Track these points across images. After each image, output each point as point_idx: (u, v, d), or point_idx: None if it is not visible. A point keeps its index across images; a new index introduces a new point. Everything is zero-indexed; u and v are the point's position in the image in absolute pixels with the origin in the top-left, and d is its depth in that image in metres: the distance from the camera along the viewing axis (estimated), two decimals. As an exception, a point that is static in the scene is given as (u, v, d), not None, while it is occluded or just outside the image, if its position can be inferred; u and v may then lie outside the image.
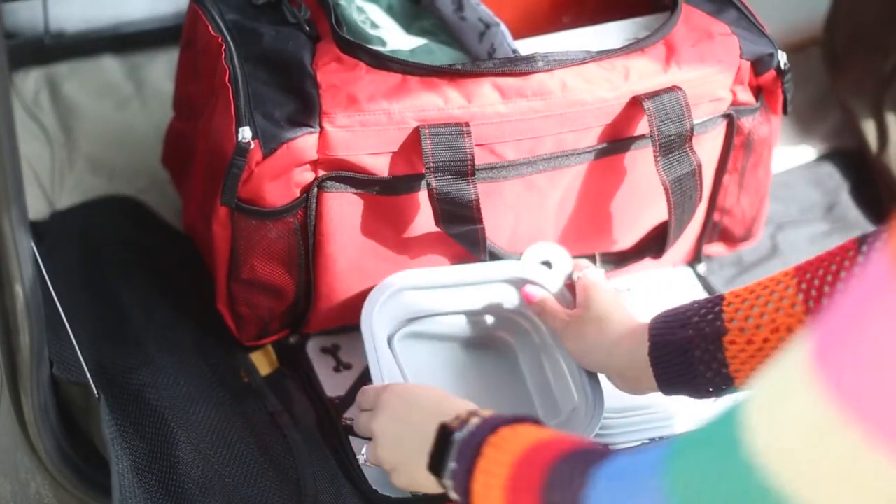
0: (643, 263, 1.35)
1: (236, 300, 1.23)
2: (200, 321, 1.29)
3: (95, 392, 1.10)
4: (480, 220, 1.17)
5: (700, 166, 1.22)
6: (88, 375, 1.11)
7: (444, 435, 0.95)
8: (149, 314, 1.29)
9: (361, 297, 1.25)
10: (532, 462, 0.84)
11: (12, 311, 0.99)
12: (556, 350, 1.22)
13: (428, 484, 0.98)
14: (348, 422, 1.16)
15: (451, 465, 0.92)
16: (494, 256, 1.24)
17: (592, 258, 1.34)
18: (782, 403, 0.64)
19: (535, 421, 0.92)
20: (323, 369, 1.28)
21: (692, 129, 1.21)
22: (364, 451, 1.08)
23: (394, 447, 1.03)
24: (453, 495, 0.92)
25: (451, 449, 0.93)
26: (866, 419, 0.59)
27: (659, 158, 1.20)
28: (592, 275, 1.20)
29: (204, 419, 1.18)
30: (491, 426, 0.91)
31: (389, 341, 1.23)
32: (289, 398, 1.24)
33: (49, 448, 1.08)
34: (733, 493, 0.65)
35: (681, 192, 1.23)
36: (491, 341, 1.28)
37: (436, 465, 0.95)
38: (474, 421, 0.93)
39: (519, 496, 0.83)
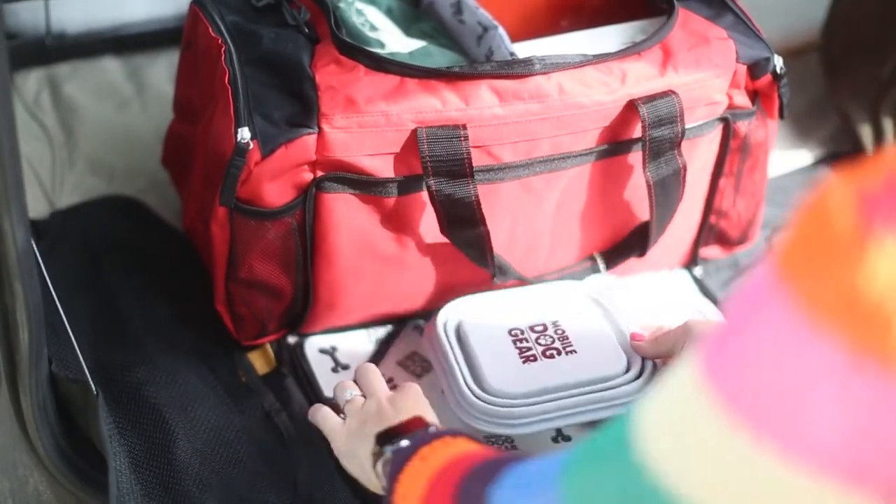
0: (639, 266, 1.36)
1: (234, 300, 1.23)
2: (199, 321, 1.30)
3: (94, 389, 1.10)
4: (483, 222, 1.17)
5: (685, 168, 1.23)
6: (87, 373, 1.11)
7: (387, 438, 0.98)
8: (147, 313, 1.30)
9: (359, 298, 1.26)
10: (446, 477, 0.86)
11: (12, 309, 1.00)
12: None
13: (371, 481, 1.02)
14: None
15: (386, 469, 0.95)
16: (503, 270, 1.24)
17: (592, 259, 1.36)
18: (673, 409, 0.67)
19: (468, 436, 0.94)
20: (321, 370, 1.28)
21: (683, 134, 1.22)
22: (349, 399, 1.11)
23: (352, 447, 1.06)
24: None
25: (388, 453, 0.96)
26: (752, 421, 0.62)
27: (648, 163, 1.21)
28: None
29: (202, 417, 1.19)
30: (423, 438, 0.92)
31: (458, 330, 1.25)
32: (286, 398, 1.25)
33: (47, 445, 1.09)
34: (625, 495, 0.68)
35: (664, 193, 1.24)
36: None
37: (375, 465, 0.99)
38: (417, 431, 0.95)
39: None
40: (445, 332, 1.24)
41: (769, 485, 0.63)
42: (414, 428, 0.98)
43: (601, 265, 1.36)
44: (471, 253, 1.21)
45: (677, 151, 1.23)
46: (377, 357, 1.30)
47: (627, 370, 1.21)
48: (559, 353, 1.22)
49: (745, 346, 0.63)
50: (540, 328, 1.25)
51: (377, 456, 0.99)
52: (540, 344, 1.23)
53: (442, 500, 0.84)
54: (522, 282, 1.30)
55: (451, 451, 0.89)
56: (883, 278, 0.57)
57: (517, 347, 1.23)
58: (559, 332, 1.25)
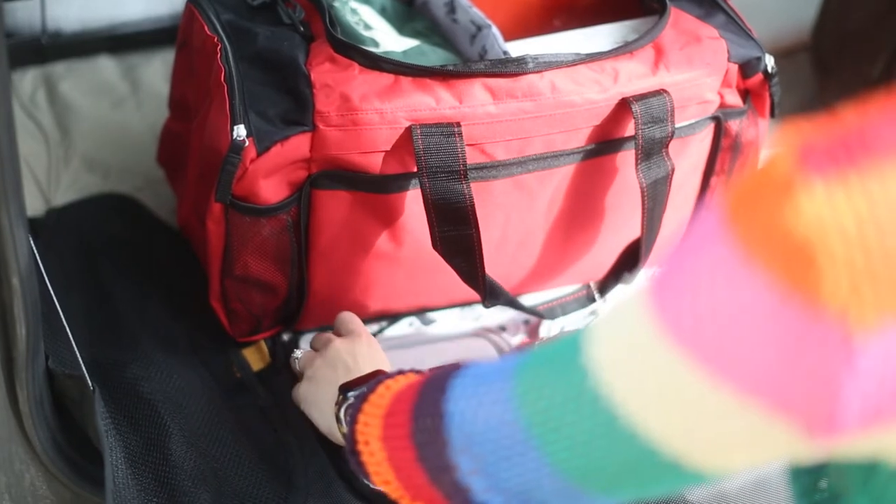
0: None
1: (229, 296, 1.24)
2: (194, 317, 1.30)
3: (90, 384, 1.11)
4: (475, 224, 1.18)
5: (673, 171, 1.24)
6: (83, 368, 1.12)
7: (343, 393, 1.04)
8: (143, 310, 1.31)
9: (353, 294, 1.27)
10: (400, 403, 0.88)
11: (9, 304, 1.00)
12: None
13: (334, 430, 1.08)
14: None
15: (349, 411, 0.97)
16: (494, 293, 1.24)
17: (587, 287, 1.39)
18: (619, 324, 0.72)
19: (418, 371, 0.96)
20: (315, 366, 1.29)
21: (672, 134, 1.23)
22: (297, 356, 1.21)
23: (313, 394, 1.14)
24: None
25: (344, 408, 1.01)
26: (687, 344, 0.67)
27: (640, 162, 1.22)
28: None
29: (196, 413, 1.19)
30: (373, 385, 0.94)
31: None
32: (281, 394, 1.25)
33: (44, 440, 1.10)
34: (569, 394, 0.73)
35: (654, 196, 1.25)
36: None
37: (338, 412, 1.04)
38: (379, 377, 0.97)
39: (393, 437, 0.87)
40: None
41: (699, 401, 0.68)
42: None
43: (596, 294, 1.38)
44: (461, 267, 1.21)
45: (666, 153, 1.24)
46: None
47: None
48: None
49: (688, 278, 0.68)
50: None
51: (340, 404, 1.04)
52: None
53: (401, 414, 0.87)
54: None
55: (411, 379, 0.92)
56: (809, 218, 0.62)
57: None
58: None
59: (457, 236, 1.18)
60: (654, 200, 1.25)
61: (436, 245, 1.18)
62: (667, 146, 1.24)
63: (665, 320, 0.68)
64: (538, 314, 1.35)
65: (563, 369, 0.75)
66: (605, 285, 1.38)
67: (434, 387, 0.84)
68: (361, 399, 0.92)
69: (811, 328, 0.63)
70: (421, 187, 1.16)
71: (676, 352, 0.68)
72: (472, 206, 1.17)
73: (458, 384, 0.82)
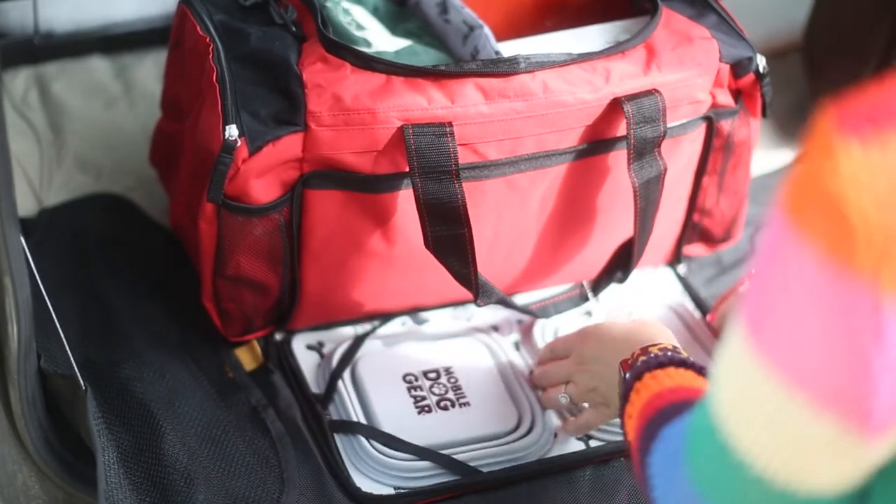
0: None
1: (222, 296, 1.24)
2: (186, 317, 1.30)
3: (82, 384, 1.11)
4: (467, 223, 1.18)
5: (665, 171, 1.25)
6: (76, 368, 1.12)
7: (622, 373, 1.04)
8: (135, 310, 1.31)
9: (346, 294, 1.27)
10: (638, 419, 0.92)
11: (1, 304, 1.01)
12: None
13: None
14: (329, 416, 1.20)
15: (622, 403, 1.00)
16: (487, 292, 1.24)
17: (580, 287, 1.39)
18: (727, 368, 0.71)
19: (684, 363, 0.99)
20: (307, 365, 1.29)
21: (664, 134, 1.23)
22: (563, 393, 1.21)
23: (592, 385, 1.16)
24: None
25: (622, 388, 1.02)
26: (764, 349, 0.66)
27: (632, 162, 1.22)
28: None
29: (189, 413, 1.19)
30: (640, 371, 0.98)
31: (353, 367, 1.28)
32: (273, 393, 1.25)
33: (36, 440, 1.10)
34: (705, 446, 0.73)
35: (646, 196, 1.25)
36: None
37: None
38: (641, 359, 1.01)
39: (637, 448, 0.90)
40: (342, 377, 1.26)
41: (779, 413, 0.66)
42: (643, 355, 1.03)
43: (589, 293, 1.38)
44: (454, 266, 1.21)
45: (658, 152, 1.24)
46: (352, 351, 1.31)
47: (518, 426, 1.24)
48: (453, 405, 1.25)
49: (762, 279, 0.67)
50: (433, 375, 1.28)
51: (620, 381, 1.04)
52: (434, 393, 1.26)
53: (634, 432, 0.91)
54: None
55: (663, 384, 0.96)
56: (844, 177, 0.61)
57: (412, 396, 1.25)
58: (452, 380, 1.27)
59: (449, 236, 1.18)
60: (647, 200, 1.25)
61: (428, 245, 1.18)
62: (659, 146, 1.24)
63: (751, 332, 0.67)
64: (531, 313, 1.35)
65: (700, 429, 0.75)
66: (598, 284, 1.38)
67: (652, 430, 0.86)
68: (628, 388, 0.97)
69: (843, 296, 0.61)
70: (413, 187, 1.16)
71: (758, 360, 0.66)
72: (465, 205, 1.17)
73: (658, 452, 0.83)
